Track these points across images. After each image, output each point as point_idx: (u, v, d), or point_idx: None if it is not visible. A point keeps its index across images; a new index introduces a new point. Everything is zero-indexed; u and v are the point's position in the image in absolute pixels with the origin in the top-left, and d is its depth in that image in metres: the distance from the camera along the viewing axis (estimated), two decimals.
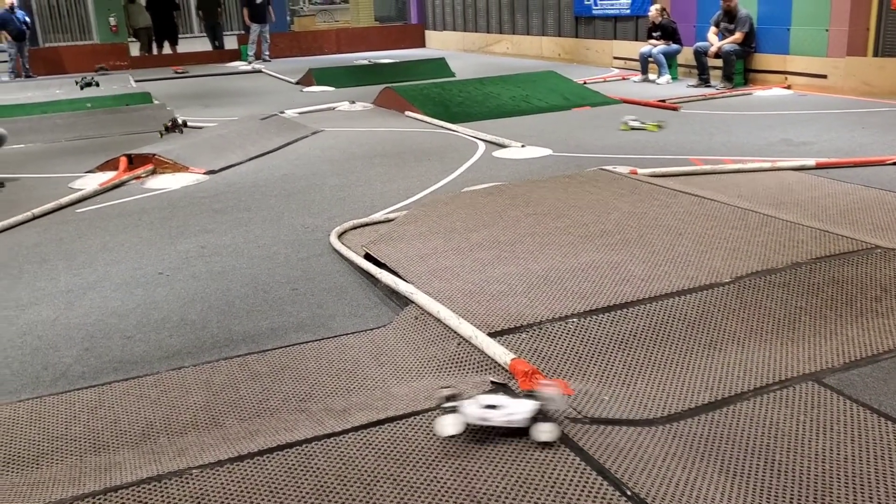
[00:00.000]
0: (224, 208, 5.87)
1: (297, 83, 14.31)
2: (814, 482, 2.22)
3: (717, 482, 2.23)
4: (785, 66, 10.90)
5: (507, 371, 2.82)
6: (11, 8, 16.75)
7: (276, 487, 2.23)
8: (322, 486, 2.23)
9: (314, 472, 2.30)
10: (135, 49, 20.12)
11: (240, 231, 5.26)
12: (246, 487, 2.24)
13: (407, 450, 2.38)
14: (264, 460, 2.37)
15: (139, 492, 2.24)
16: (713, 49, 11.10)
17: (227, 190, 6.46)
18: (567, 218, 4.53)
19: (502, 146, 7.58)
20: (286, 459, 2.37)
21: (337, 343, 3.40)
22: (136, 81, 14.68)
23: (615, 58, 14.46)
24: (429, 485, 2.21)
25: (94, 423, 2.81)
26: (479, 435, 2.42)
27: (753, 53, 11.24)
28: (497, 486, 2.18)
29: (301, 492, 2.21)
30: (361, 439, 2.45)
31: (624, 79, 12.77)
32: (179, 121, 8.97)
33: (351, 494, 2.19)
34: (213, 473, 2.31)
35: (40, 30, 21.44)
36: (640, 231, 4.20)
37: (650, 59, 12.18)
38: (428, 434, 2.45)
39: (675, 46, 12.07)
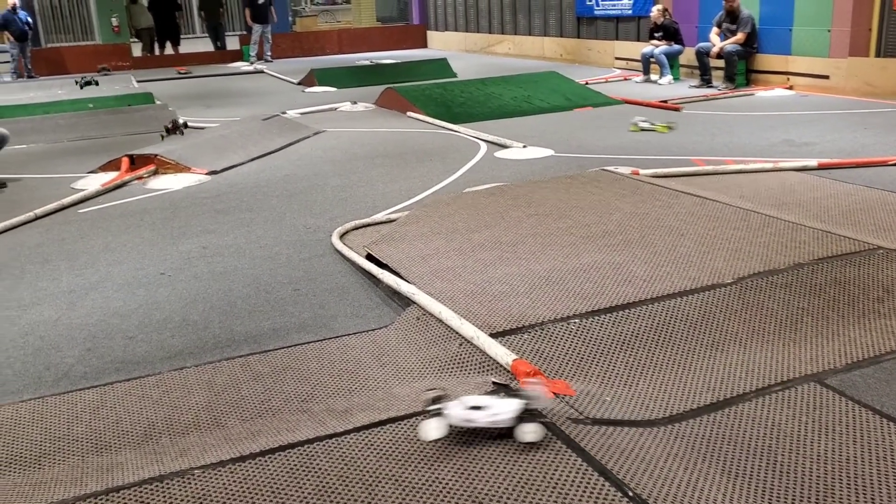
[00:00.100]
0: (226, 209, 5.88)
1: (299, 84, 14.32)
2: (815, 483, 2.22)
3: (718, 483, 2.23)
4: (787, 67, 10.89)
5: (508, 372, 2.82)
6: (14, 8, 16.77)
7: (277, 488, 2.23)
8: (324, 486, 2.23)
9: (316, 472, 2.30)
10: (137, 49, 20.14)
11: (242, 231, 5.26)
12: (248, 488, 2.24)
13: (409, 450, 2.38)
14: (266, 461, 2.37)
15: (141, 492, 2.24)
16: (715, 49, 11.10)
17: (229, 190, 6.46)
18: (569, 218, 4.52)
19: (504, 147, 7.58)
20: (288, 460, 2.37)
21: (339, 343, 3.40)
22: (138, 82, 14.69)
23: (617, 58, 14.46)
24: (430, 485, 2.21)
25: (97, 424, 2.82)
26: (480, 436, 2.42)
27: (755, 54, 11.23)
28: (499, 487, 2.18)
29: (303, 492, 2.21)
30: (363, 440, 2.45)
31: (626, 79, 12.77)
32: (180, 122, 8.98)
33: (353, 495, 2.19)
34: (215, 474, 2.31)
35: (42, 30, 21.45)
36: (641, 232, 4.20)
37: (652, 59, 12.18)
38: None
39: (676, 47, 12.07)
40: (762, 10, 11.21)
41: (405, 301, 3.67)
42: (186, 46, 20.72)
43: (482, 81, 11.03)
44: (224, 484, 2.26)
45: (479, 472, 2.25)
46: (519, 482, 2.20)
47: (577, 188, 5.19)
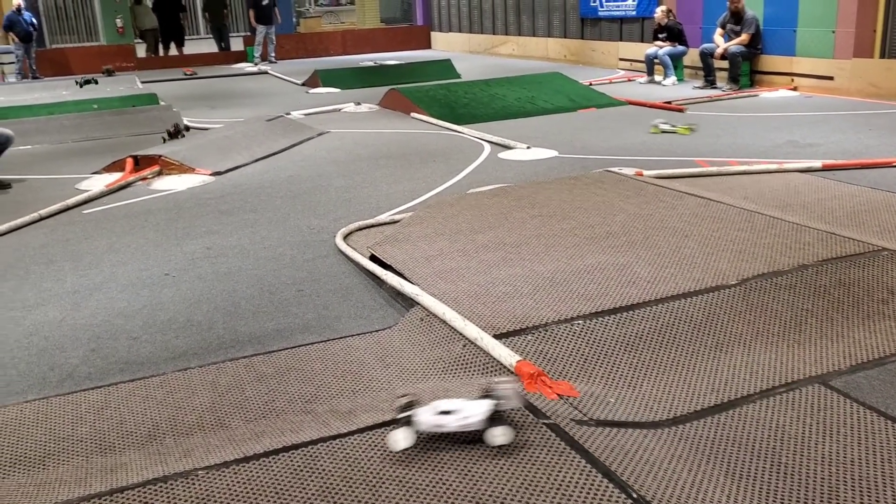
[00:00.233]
0: (230, 209, 5.88)
1: (303, 84, 14.34)
2: (820, 485, 2.22)
3: (722, 485, 2.22)
4: (791, 68, 10.87)
5: (512, 373, 2.82)
6: (18, 9, 16.81)
7: (281, 489, 2.24)
8: (328, 487, 2.23)
9: (320, 473, 2.30)
10: (141, 50, 20.17)
11: (246, 232, 5.27)
12: (252, 488, 2.24)
13: (413, 451, 2.38)
14: (270, 461, 2.37)
15: (145, 493, 2.24)
16: (719, 50, 11.09)
17: (233, 191, 6.47)
18: (573, 219, 4.52)
19: (508, 147, 7.58)
20: (292, 461, 2.37)
21: (342, 344, 3.40)
22: (143, 83, 14.72)
23: (621, 59, 14.45)
24: (434, 486, 2.21)
25: (101, 424, 2.82)
26: (451, 440, 2.41)
27: (759, 55, 11.22)
28: (503, 489, 2.18)
29: (307, 493, 2.21)
30: (367, 441, 2.45)
31: (630, 80, 12.76)
32: (182, 126, 8.99)
33: (356, 496, 2.19)
34: (219, 474, 2.32)
35: (47, 31, 21.50)
36: (645, 233, 4.20)
37: (656, 60, 12.17)
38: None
39: (680, 48, 12.06)
40: (766, 11, 11.20)
41: (409, 302, 3.67)
42: (190, 47, 20.76)
43: (486, 82, 11.03)
44: (228, 485, 2.26)
45: (483, 473, 2.25)
46: (522, 483, 2.20)
47: (581, 189, 5.19)
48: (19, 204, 6.31)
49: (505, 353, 2.91)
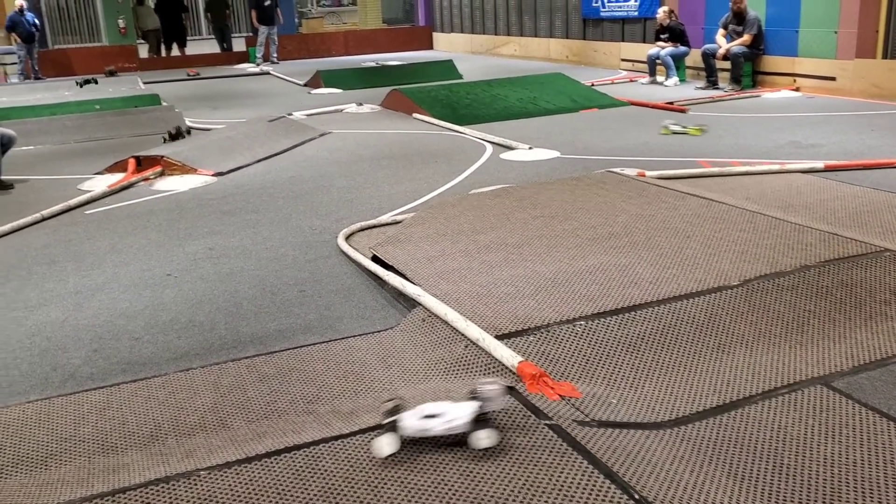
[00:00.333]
0: (232, 210, 5.89)
1: (305, 85, 14.35)
2: (822, 486, 2.22)
3: (724, 486, 2.22)
4: (793, 69, 10.86)
5: (514, 374, 2.82)
6: (21, 10, 16.84)
7: (283, 489, 2.24)
8: (330, 488, 2.23)
9: (322, 474, 2.30)
10: (143, 51, 20.19)
11: (248, 233, 5.27)
12: (254, 489, 2.24)
13: (415, 452, 2.38)
14: (272, 462, 2.37)
15: (147, 493, 2.25)
16: (721, 51, 11.08)
17: (236, 192, 6.47)
18: (575, 220, 4.52)
19: (510, 148, 7.58)
20: (294, 461, 2.37)
21: (344, 345, 3.40)
22: (145, 83, 14.74)
23: (623, 60, 14.45)
24: (436, 487, 2.21)
25: (103, 425, 2.82)
26: (437, 444, 2.41)
27: (762, 55, 11.21)
28: (505, 490, 2.18)
29: (309, 494, 2.21)
30: (369, 442, 2.45)
31: (632, 81, 12.76)
32: (183, 129, 9.00)
33: (358, 497, 2.19)
34: (221, 475, 2.32)
35: (49, 32, 21.51)
36: (647, 233, 4.20)
37: (658, 61, 12.16)
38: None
39: (682, 48, 12.06)
40: (768, 11, 11.19)
41: (411, 303, 3.67)
42: (193, 48, 20.78)
43: (488, 83, 11.03)
44: (230, 485, 2.26)
45: (484, 474, 2.25)
46: (524, 484, 2.20)
47: (583, 190, 5.19)
48: (22, 204, 6.31)
49: (507, 354, 2.91)
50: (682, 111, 9.38)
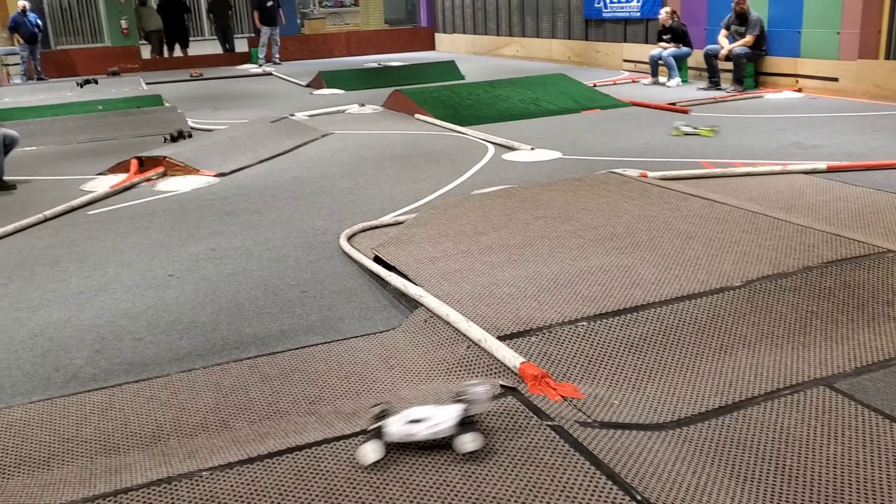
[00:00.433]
0: (234, 211, 5.89)
1: (307, 86, 14.35)
2: (825, 488, 2.21)
3: (727, 487, 2.22)
4: (796, 69, 10.86)
5: (516, 375, 2.82)
6: (24, 11, 16.87)
7: (285, 490, 2.24)
8: (331, 488, 2.23)
9: (324, 474, 2.30)
10: (146, 52, 20.22)
11: (250, 233, 5.27)
12: (255, 490, 2.24)
13: (416, 453, 2.38)
14: (274, 463, 2.37)
15: (149, 493, 2.25)
16: (724, 52, 11.08)
17: (238, 192, 6.48)
18: (577, 221, 4.52)
19: (512, 149, 7.58)
20: (296, 462, 2.37)
21: (346, 346, 3.40)
22: (147, 84, 14.76)
23: (625, 60, 14.44)
24: (438, 488, 2.21)
25: (105, 425, 2.82)
26: (490, 438, 2.41)
27: (764, 56, 11.21)
28: (507, 490, 2.18)
29: (311, 494, 2.21)
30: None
31: (634, 81, 12.75)
32: (185, 132, 9.01)
33: (360, 497, 2.19)
34: (223, 476, 2.32)
35: (52, 32, 21.57)
36: (650, 234, 4.20)
37: (660, 61, 12.16)
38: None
39: (685, 49, 12.05)
40: (771, 12, 11.19)
41: (413, 303, 3.67)
42: (195, 49, 20.81)
43: (490, 84, 11.03)
44: (232, 486, 2.27)
45: (487, 475, 2.25)
46: (527, 485, 2.19)
47: (585, 191, 5.18)
48: (24, 205, 6.32)
49: (509, 355, 2.91)
50: (685, 112, 9.37)
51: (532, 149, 7.42)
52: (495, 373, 2.90)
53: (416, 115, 9.88)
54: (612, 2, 14.75)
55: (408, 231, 4.60)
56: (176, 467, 2.41)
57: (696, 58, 12.00)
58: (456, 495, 2.17)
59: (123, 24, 20.34)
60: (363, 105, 11.08)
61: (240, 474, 2.32)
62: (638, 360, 3.00)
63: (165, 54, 20.31)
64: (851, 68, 10.08)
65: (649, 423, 2.59)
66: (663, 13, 12.26)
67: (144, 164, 7.20)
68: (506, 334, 3.10)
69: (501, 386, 2.77)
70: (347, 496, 2.20)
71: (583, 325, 3.16)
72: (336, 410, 2.80)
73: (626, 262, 3.80)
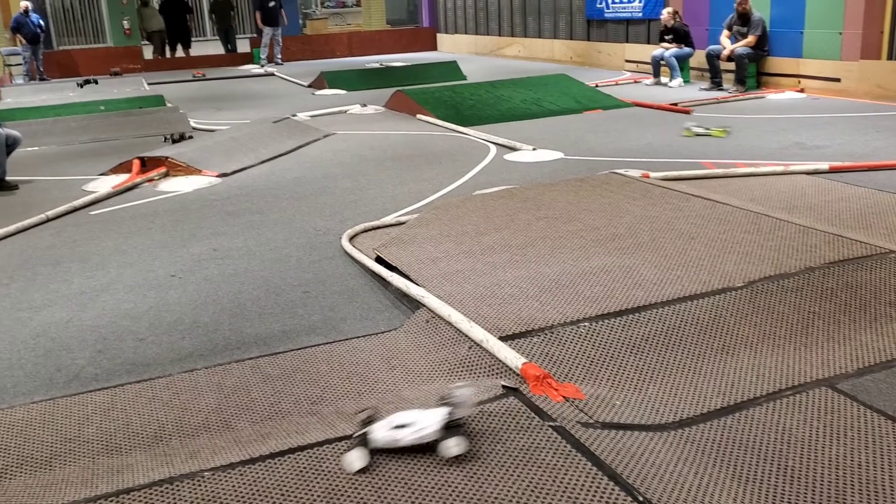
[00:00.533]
0: (236, 211, 5.89)
1: (309, 86, 14.35)
2: (827, 489, 2.21)
3: (729, 488, 2.22)
4: (798, 70, 10.85)
5: (518, 375, 2.82)
6: (26, 11, 16.89)
7: (287, 490, 2.24)
8: (333, 489, 2.23)
9: (326, 475, 2.30)
10: (148, 52, 20.24)
11: (252, 234, 5.28)
12: (258, 490, 2.24)
13: (418, 453, 2.37)
14: (276, 463, 2.37)
15: (151, 494, 2.25)
16: (726, 52, 11.07)
17: (240, 193, 6.48)
18: (578, 221, 4.52)
19: (514, 149, 7.58)
20: (298, 462, 2.37)
21: (348, 346, 3.40)
22: (149, 84, 14.77)
23: (627, 61, 14.44)
24: (440, 489, 2.21)
25: (107, 425, 2.83)
26: (492, 439, 2.41)
27: (766, 57, 11.20)
28: (508, 491, 2.18)
29: (313, 495, 2.21)
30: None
31: (636, 82, 12.74)
32: (186, 134, 9.01)
33: (362, 498, 2.19)
34: (225, 476, 2.32)
35: (54, 33, 21.59)
36: (652, 235, 4.19)
37: (662, 62, 12.15)
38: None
39: (687, 50, 12.04)
40: (773, 12, 11.18)
41: (414, 304, 3.67)
42: (197, 49, 20.82)
43: (492, 84, 11.03)
44: (234, 486, 2.27)
45: (489, 475, 2.25)
46: (529, 486, 2.19)
47: (587, 191, 5.18)
48: (27, 205, 6.33)
49: (511, 356, 2.91)
50: (687, 112, 9.36)
51: (534, 149, 7.42)
52: (497, 373, 2.90)
53: (418, 116, 9.88)
54: (614, 2, 14.74)
55: (409, 231, 4.60)
56: (178, 468, 2.41)
57: (698, 58, 11.99)
58: (457, 496, 2.17)
59: (125, 24, 20.36)
60: (365, 105, 11.08)
61: (242, 475, 2.32)
62: (640, 360, 3.00)
63: (167, 55, 20.32)
64: (854, 69, 10.07)
65: (651, 424, 2.59)
66: (665, 13, 12.26)
67: (146, 164, 7.21)
68: (508, 335, 3.10)
69: (503, 386, 2.77)
70: (349, 497, 2.20)
71: (585, 326, 3.16)
72: (338, 411, 2.80)
73: (627, 263, 3.80)
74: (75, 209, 6.09)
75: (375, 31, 23.25)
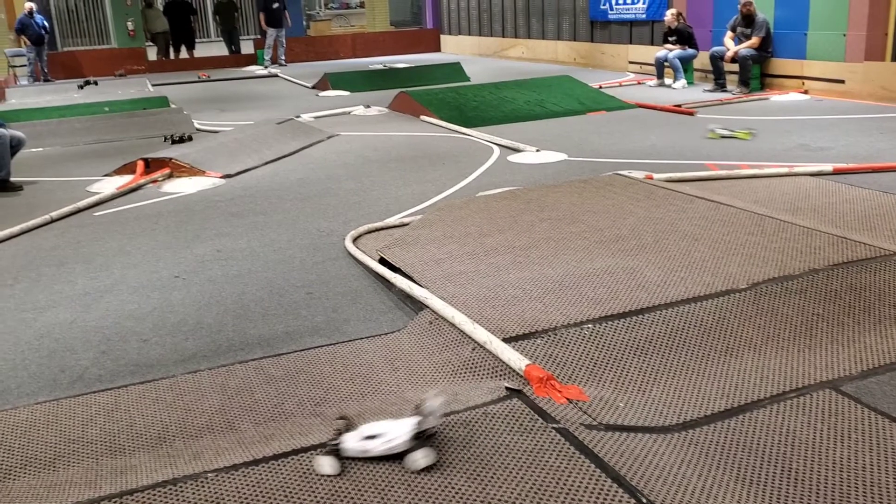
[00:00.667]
0: (240, 212, 5.90)
1: (313, 87, 14.36)
2: (831, 491, 2.21)
3: (732, 490, 2.21)
4: (802, 71, 10.83)
5: (522, 377, 2.82)
6: (30, 13, 16.92)
7: (290, 491, 2.24)
8: (336, 490, 2.23)
9: (329, 476, 2.30)
10: (152, 53, 20.27)
11: (255, 235, 5.28)
12: (261, 491, 2.25)
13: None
14: (279, 464, 2.38)
15: (154, 495, 2.25)
16: (729, 54, 11.05)
17: (244, 194, 6.49)
18: (582, 223, 4.52)
19: (517, 151, 7.58)
20: (301, 464, 2.37)
21: (351, 347, 3.40)
22: (153, 86, 14.79)
23: (631, 62, 14.43)
24: (443, 490, 2.21)
25: (111, 426, 2.83)
26: (495, 441, 2.41)
27: (770, 58, 11.18)
28: (512, 493, 2.18)
29: (315, 496, 2.21)
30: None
31: (639, 83, 12.73)
32: (186, 136, 9.03)
33: (365, 500, 2.19)
34: (229, 477, 2.32)
35: (59, 34, 21.64)
36: (655, 236, 4.19)
37: (666, 63, 12.15)
38: (443, 438, 2.44)
39: (691, 51, 12.03)
40: (777, 14, 11.16)
41: (418, 305, 3.67)
42: (201, 50, 20.85)
43: (495, 85, 11.03)
44: (237, 487, 2.27)
45: (492, 477, 2.25)
46: (532, 488, 2.19)
47: (591, 192, 5.18)
48: (31, 206, 6.34)
49: (514, 357, 2.91)
50: (691, 114, 9.36)
51: (537, 150, 7.42)
52: (501, 375, 2.89)
53: (422, 117, 9.89)
54: (617, 3, 14.73)
55: (413, 233, 4.60)
56: (181, 469, 2.42)
57: (702, 60, 11.98)
58: (461, 497, 2.17)
59: (130, 25, 20.39)
60: (369, 106, 11.08)
61: (245, 476, 2.32)
62: (643, 362, 3.00)
63: (171, 56, 20.36)
64: (858, 70, 10.06)
65: (655, 426, 2.59)
66: (669, 15, 12.24)
67: (150, 165, 7.22)
68: (511, 336, 3.10)
69: (507, 388, 2.77)
70: (352, 498, 2.20)
71: (588, 328, 3.16)
72: (341, 412, 2.80)
73: (631, 265, 3.80)
74: (79, 210, 6.10)
75: (379, 32, 23.26)
